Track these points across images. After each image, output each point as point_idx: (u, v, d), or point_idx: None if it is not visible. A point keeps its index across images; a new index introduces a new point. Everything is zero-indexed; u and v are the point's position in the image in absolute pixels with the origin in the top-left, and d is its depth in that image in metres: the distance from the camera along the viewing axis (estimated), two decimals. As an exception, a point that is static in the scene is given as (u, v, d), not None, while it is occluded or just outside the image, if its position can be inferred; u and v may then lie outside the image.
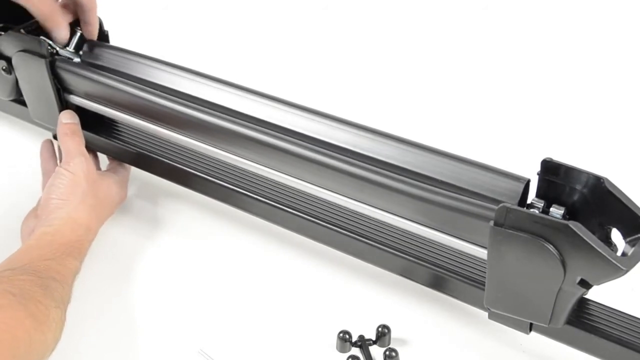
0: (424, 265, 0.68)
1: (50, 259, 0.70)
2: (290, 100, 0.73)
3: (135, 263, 0.79)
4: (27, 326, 0.62)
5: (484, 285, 0.63)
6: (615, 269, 0.54)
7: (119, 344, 0.71)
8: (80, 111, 0.84)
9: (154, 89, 0.77)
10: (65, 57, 0.82)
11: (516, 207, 0.57)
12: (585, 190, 0.59)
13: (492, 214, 0.58)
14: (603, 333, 0.61)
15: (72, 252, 0.73)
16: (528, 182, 0.61)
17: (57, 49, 0.82)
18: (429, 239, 0.68)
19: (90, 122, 0.84)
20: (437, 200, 0.62)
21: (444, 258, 0.69)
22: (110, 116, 0.82)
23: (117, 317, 0.73)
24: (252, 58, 1.16)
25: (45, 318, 0.65)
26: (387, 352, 0.69)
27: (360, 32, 1.23)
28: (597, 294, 0.62)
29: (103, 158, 0.88)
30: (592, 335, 0.61)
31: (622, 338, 0.60)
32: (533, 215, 0.56)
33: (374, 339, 0.71)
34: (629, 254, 0.56)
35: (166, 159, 0.82)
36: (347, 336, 0.70)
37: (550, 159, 0.60)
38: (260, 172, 0.74)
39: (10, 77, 0.84)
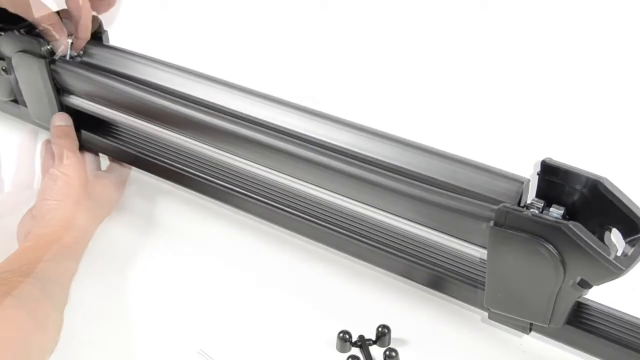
0: (423, 266, 0.68)
1: (47, 261, 0.70)
2: (288, 100, 0.73)
3: (134, 263, 0.79)
4: (27, 328, 0.63)
5: (483, 285, 0.63)
6: (614, 269, 0.54)
7: (118, 344, 0.70)
8: (79, 111, 0.83)
9: (153, 89, 0.77)
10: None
11: (515, 207, 0.57)
12: (584, 191, 0.59)
13: (492, 214, 0.58)
14: (603, 333, 0.61)
15: (69, 253, 0.73)
16: (527, 182, 0.61)
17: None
18: (429, 240, 0.68)
19: (89, 122, 0.84)
20: (436, 201, 0.62)
21: (444, 258, 0.68)
22: (109, 116, 0.82)
23: (117, 317, 0.73)
24: (250, 57, 1.16)
25: (45, 319, 0.65)
26: (387, 352, 0.68)
27: (357, 31, 1.23)
28: (597, 294, 0.62)
29: (105, 161, 0.89)
30: (592, 336, 0.61)
31: (621, 338, 0.60)
32: (532, 216, 0.56)
33: (374, 339, 0.70)
34: (628, 254, 0.56)
35: (165, 159, 0.81)
36: (347, 336, 0.69)
37: (550, 159, 0.60)
38: (259, 173, 0.74)
39: (9, 78, 0.85)
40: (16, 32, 0.83)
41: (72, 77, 0.80)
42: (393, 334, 0.70)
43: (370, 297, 0.75)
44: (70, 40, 0.82)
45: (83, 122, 0.84)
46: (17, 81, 0.84)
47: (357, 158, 0.67)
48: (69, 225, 0.76)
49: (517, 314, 0.62)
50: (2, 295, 0.62)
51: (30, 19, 0.80)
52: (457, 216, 0.61)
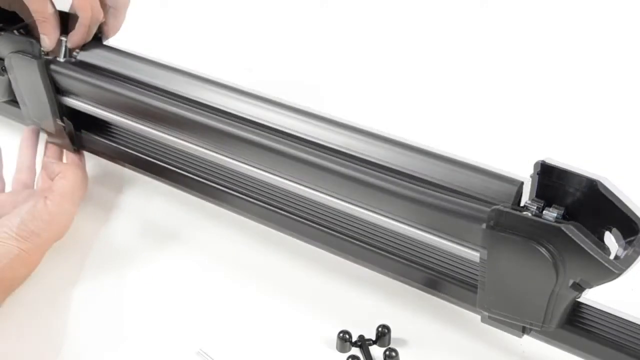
0: (417, 268, 0.68)
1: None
2: (283, 101, 0.73)
3: (133, 263, 0.79)
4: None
5: (477, 287, 0.62)
6: (609, 271, 0.54)
7: (118, 344, 0.71)
8: (76, 111, 0.84)
9: (149, 90, 0.77)
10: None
11: (510, 209, 0.57)
12: (581, 192, 0.58)
13: (486, 216, 0.58)
14: (597, 336, 0.60)
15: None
16: (522, 184, 0.60)
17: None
18: (423, 241, 0.67)
19: (85, 122, 0.85)
20: (431, 202, 0.62)
21: (438, 260, 0.68)
22: (105, 117, 0.82)
23: (116, 317, 0.73)
24: (247, 58, 1.16)
25: None
26: (387, 352, 0.68)
27: (354, 31, 1.22)
28: (597, 294, 0.61)
29: (105, 162, 0.89)
30: (586, 338, 0.61)
31: (616, 341, 0.60)
32: (526, 218, 0.56)
33: (374, 339, 0.70)
34: (623, 256, 0.55)
35: (163, 160, 0.82)
36: (347, 336, 0.69)
37: (546, 160, 0.59)
38: (255, 175, 0.74)
39: (3, 79, 0.85)
40: (15, 33, 0.84)
41: (66, 78, 0.81)
42: (393, 334, 0.70)
43: (370, 297, 0.75)
44: (64, 39, 0.82)
45: (78, 122, 0.84)
46: (10, 82, 0.85)
47: (353, 160, 0.67)
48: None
49: (511, 316, 0.62)
50: None
51: (24, 14, 0.80)
52: (451, 217, 0.61)
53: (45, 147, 0.87)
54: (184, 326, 0.72)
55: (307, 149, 0.68)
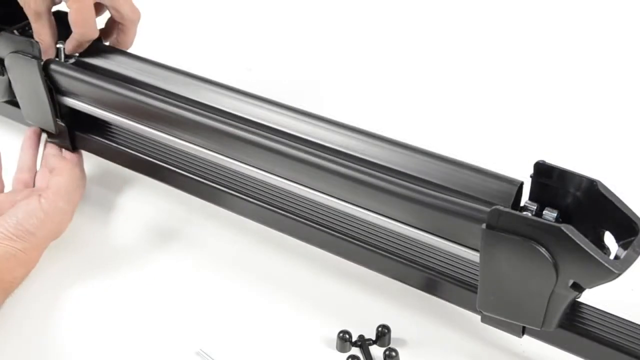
0: (416, 268, 0.68)
1: None
2: (282, 102, 0.73)
3: (133, 263, 0.79)
4: None
5: (476, 288, 0.62)
6: (608, 272, 0.54)
7: (118, 344, 0.71)
8: (74, 112, 0.83)
9: (148, 90, 0.77)
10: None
11: (509, 209, 0.57)
12: (578, 193, 0.58)
13: (485, 217, 0.57)
14: (596, 336, 0.60)
15: None
16: (521, 184, 0.60)
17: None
18: (421, 242, 0.67)
19: (84, 122, 0.84)
20: (429, 203, 0.61)
21: (437, 261, 0.68)
22: (104, 117, 0.82)
23: (116, 317, 0.73)
24: (247, 58, 1.16)
25: None
26: (387, 352, 0.68)
27: (354, 32, 1.22)
28: (597, 294, 0.61)
29: (104, 162, 0.89)
30: (585, 339, 0.61)
31: (614, 341, 0.60)
32: (525, 218, 0.56)
33: (374, 339, 0.70)
34: (622, 257, 0.55)
35: (162, 160, 0.81)
36: (347, 336, 0.69)
37: (543, 161, 0.59)
38: (255, 175, 0.74)
39: (3, 79, 0.84)
40: (15, 33, 0.83)
41: (65, 79, 0.80)
42: (393, 334, 0.70)
43: (370, 297, 0.75)
44: (61, 46, 0.83)
45: (77, 123, 0.84)
46: (10, 82, 0.84)
47: (352, 160, 0.67)
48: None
49: (510, 317, 0.62)
50: None
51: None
52: (449, 218, 0.61)
53: (45, 147, 0.87)
54: (183, 326, 0.72)
55: (307, 149, 0.68)
